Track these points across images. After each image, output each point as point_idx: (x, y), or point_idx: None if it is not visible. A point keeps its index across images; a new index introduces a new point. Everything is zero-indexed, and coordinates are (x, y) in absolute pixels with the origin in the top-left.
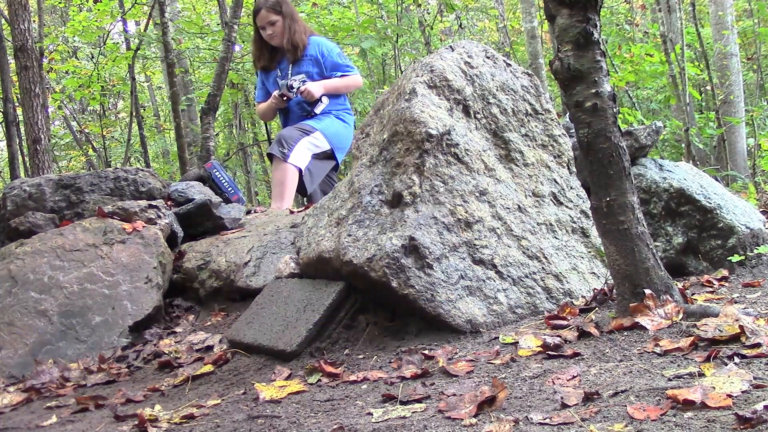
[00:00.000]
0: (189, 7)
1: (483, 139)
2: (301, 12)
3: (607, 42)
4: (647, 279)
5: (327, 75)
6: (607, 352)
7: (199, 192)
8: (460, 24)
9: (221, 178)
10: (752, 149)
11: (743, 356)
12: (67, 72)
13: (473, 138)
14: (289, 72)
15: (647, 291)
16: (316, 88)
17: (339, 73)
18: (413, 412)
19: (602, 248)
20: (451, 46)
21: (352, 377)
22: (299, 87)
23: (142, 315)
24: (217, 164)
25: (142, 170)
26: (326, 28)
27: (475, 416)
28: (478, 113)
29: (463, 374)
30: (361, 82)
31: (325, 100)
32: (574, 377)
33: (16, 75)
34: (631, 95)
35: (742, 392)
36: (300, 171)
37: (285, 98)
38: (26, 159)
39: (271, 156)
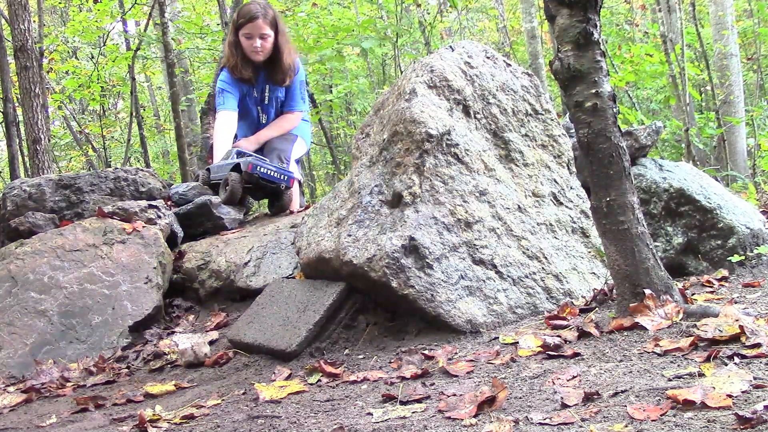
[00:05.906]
0: (189, 7)
1: (483, 139)
2: (301, 12)
3: (607, 42)
4: (647, 279)
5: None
6: (607, 352)
7: (200, 194)
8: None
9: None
10: (752, 149)
11: (743, 356)
12: (67, 72)
13: (473, 138)
14: (266, 95)
15: (647, 291)
16: (251, 147)
17: (287, 109)
18: (413, 412)
19: (602, 248)
20: (451, 46)
21: (352, 377)
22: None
23: (142, 315)
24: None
25: (142, 170)
26: (326, 28)
27: (475, 416)
28: (478, 113)
29: (463, 374)
30: (297, 123)
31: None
32: (574, 377)
33: (16, 75)
34: (631, 95)
35: (742, 392)
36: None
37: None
38: (26, 159)
39: None
